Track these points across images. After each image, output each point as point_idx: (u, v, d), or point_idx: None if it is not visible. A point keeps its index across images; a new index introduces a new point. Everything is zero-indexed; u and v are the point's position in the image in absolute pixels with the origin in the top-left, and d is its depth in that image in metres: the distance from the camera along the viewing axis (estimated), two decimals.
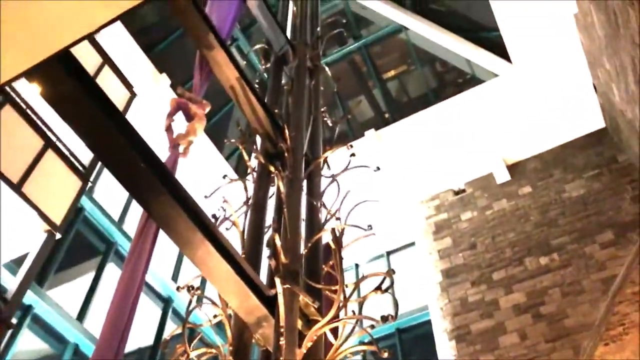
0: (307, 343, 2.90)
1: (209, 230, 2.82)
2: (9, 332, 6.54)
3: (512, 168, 11.45)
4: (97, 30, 2.10)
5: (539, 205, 10.56)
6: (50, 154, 6.70)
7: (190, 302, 3.35)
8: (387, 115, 13.35)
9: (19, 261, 6.63)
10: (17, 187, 6.06)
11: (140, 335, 10.60)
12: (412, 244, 12.35)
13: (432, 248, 11.23)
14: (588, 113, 10.92)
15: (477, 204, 11.33)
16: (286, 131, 4.39)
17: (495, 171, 11.51)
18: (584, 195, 10.21)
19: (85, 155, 7.46)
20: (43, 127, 6.75)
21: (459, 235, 10.98)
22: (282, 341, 2.73)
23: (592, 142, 10.98)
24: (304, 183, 4.24)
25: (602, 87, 9.86)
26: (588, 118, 11.01)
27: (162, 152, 3.45)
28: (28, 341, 8.35)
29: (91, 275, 9.74)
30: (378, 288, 3.17)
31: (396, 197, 12.30)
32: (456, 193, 11.87)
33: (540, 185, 10.86)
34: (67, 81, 2.21)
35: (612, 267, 8.90)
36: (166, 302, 11.22)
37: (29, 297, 7.95)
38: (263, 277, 3.54)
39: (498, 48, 10.85)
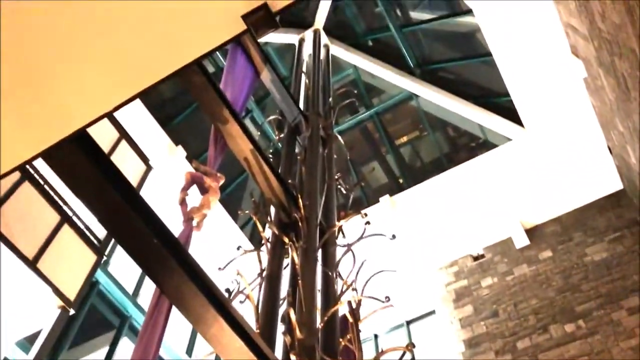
0: None
1: (222, 306, 2.76)
2: None
3: (531, 232, 11.27)
4: (114, 111, 2.14)
5: (560, 269, 10.31)
6: (66, 228, 6.73)
7: None
8: (401, 181, 13.36)
9: (31, 338, 6.54)
10: (32, 264, 6.06)
11: None
12: (432, 312, 12.04)
13: (453, 316, 10.92)
14: (605, 175, 10.83)
15: (497, 270, 11.09)
16: (300, 200, 4.38)
17: (513, 235, 11.34)
18: (606, 259, 9.97)
19: (100, 228, 7.49)
20: (59, 201, 6.82)
21: (480, 303, 10.70)
22: None
23: (612, 203, 10.83)
24: (319, 253, 4.19)
25: (617, 149, 9.83)
26: (605, 180, 10.91)
27: (177, 226, 3.45)
28: None
29: (105, 349, 9.56)
30: None
31: (414, 264, 12.10)
32: (475, 259, 11.67)
33: (561, 249, 10.64)
34: (82, 161, 2.23)
35: None
36: None
37: None
38: (278, 352, 3.43)
39: (509, 112, 10.93)
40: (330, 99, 7.07)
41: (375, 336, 12.70)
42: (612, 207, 10.72)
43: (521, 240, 11.21)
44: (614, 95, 7.95)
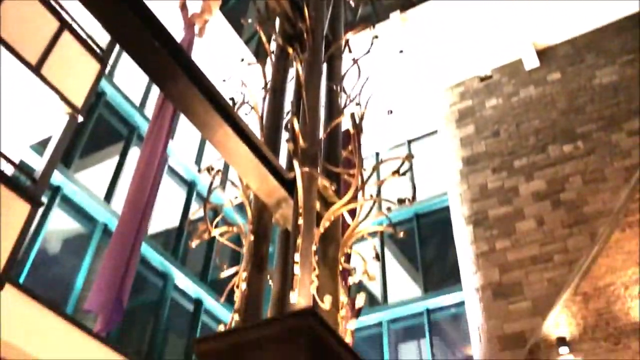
0: (325, 223, 2.96)
1: (226, 112, 2.79)
2: (40, 211, 6.80)
3: (542, 53, 11.01)
4: None
5: (567, 92, 10.26)
6: (66, 36, 6.58)
7: (212, 183, 3.40)
8: None
9: (44, 143, 6.77)
10: (35, 69, 6.03)
11: (167, 218, 11.01)
12: (435, 132, 12.27)
13: (454, 135, 11.14)
14: None
15: (503, 91, 11.05)
16: (306, 11, 4.20)
17: (524, 57, 11.09)
18: (615, 82, 9.86)
19: (102, 38, 7.34)
20: (57, 6, 6.58)
21: (483, 123, 10.84)
22: (301, 221, 2.78)
23: (629, 26, 10.40)
24: (324, 66, 4.12)
25: None
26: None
27: (181, 35, 3.35)
28: (60, 221, 8.73)
29: (116, 159, 9.96)
30: (396, 172, 3.16)
31: (420, 83, 12.04)
32: (482, 79, 11.56)
33: (571, 71, 10.48)
34: None
35: (636, 155, 8.77)
36: (190, 186, 11.52)
37: (57, 179, 8.21)
38: (283, 161, 3.55)
39: None
40: None
41: (377, 154, 13.11)
42: (632, 28, 10.32)
43: (531, 62, 11.00)
44: None
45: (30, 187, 6.08)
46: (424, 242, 12.23)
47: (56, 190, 8.35)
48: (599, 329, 7.42)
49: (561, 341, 7.48)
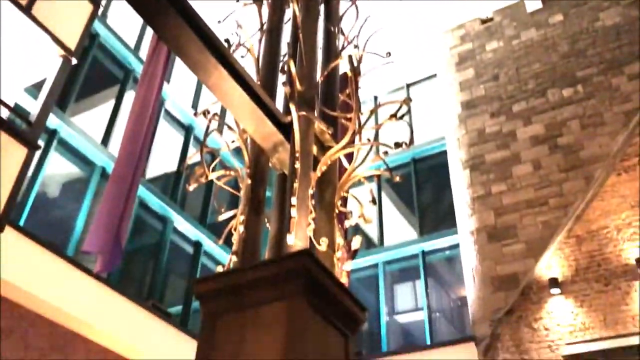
0: (322, 167, 2.96)
1: (221, 53, 2.75)
2: (38, 154, 6.79)
3: None
4: None
5: (569, 35, 10.09)
6: None
7: (208, 126, 3.38)
8: None
9: (39, 86, 6.69)
10: (26, 9, 5.88)
11: (165, 162, 11.02)
12: (434, 75, 12.13)
13: (454, 79, 11.02)
14: None
15: (504, 34, 10.86)
16: None
17: None
18: (618, 24, 9.68)
19: None
20: None
21: (482, 67, 10.71)
22: (298, 165, 2.79)
23: None
24: (321, 7, 4.03)
25: None
26: None
27: None
28: (58, 165, 8.74)
29: (112, 102, 9.87)
30: (394, 115, 3.15)
31: (419, 26, 11.80)
32: (483, 22, 11.34)
33: (573, 13, 10.27)
34: None
35: (637, 99, 8.72)
36: (187, 130, 11.48)
37: (53, 122, 8.16)
38: (279, 104, 3.52)
39: None
40: None
41: (375, 98, 13.00)
42: None
43: (534, 4, 10.76)
44: None
45: (26, 130, 6.05)
46: (421, 186, 12.32)
47: (53, 133, 8.32)
48: (590, 271, 7.58)
49: (553, 282, 7.65)
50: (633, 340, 6.85)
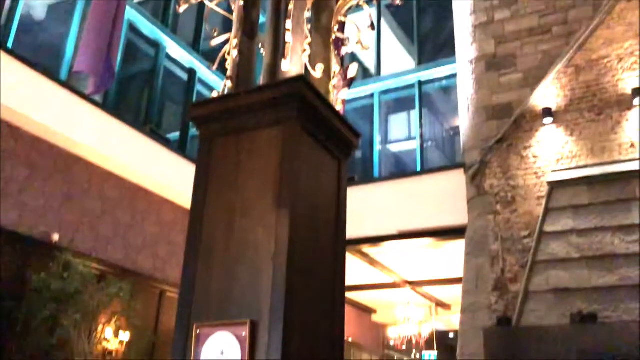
0: None
1: None
2: None
3: None
4: None
5: None
6: None
7: None
8: None
9: None
10: None
11: None
12: None
13: None
14: None
15: None
16: None
17: None
18: None
19: None
20: None
21: None
22: None
23: None
24: None
25: None
26: None
27: None
28: None
29: None
30: None
31: None
32: None
33: None
34: None
35: None
36: None
37: None
38: None
39: None
40: None
41: None
42: None
43: None
44: None
45: None
46: (422, 13, 11.86)
47: None
48: (585, 101, 7.60)
49: (546, 112, 7.71)
50: (616, 168, 7.07)
